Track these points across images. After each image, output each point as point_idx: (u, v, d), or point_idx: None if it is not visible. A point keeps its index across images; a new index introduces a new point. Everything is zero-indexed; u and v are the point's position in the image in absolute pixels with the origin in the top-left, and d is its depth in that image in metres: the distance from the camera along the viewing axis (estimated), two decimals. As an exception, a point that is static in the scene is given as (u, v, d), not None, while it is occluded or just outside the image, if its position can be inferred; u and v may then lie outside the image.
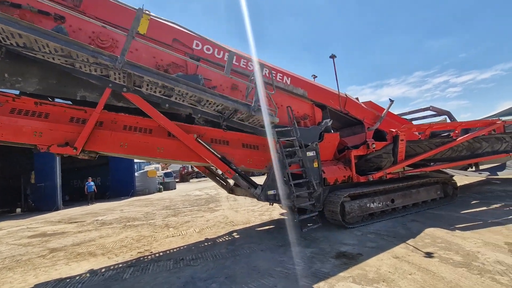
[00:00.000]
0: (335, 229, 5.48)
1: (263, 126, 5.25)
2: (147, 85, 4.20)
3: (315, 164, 5.94)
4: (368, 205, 6.01)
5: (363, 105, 7.32)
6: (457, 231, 4.52)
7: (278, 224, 6.53)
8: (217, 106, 4.61)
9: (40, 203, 15.39)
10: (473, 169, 8.71)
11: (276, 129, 5.32)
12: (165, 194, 19.71)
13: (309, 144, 5.90)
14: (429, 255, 3.63)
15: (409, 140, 6.58)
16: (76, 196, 20.62)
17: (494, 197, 6.85)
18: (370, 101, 7.56)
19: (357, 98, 7.37)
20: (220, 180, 6.94)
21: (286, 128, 5.48)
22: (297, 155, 5.49)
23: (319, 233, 5.17)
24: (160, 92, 4.32)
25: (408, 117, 9.71)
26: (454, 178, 7.69)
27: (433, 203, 6.90)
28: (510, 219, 4.89)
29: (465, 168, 8.55)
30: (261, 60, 5.94)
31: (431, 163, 7.05)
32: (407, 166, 6.95)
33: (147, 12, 4.51)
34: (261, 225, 6.47)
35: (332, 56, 6.70)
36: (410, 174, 6.68)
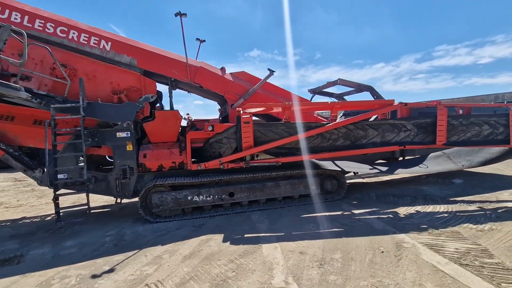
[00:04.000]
0: (125, 223, 4.77)
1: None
2: None
3: (129, 147, 5.13)
4: (190, 197, 5.12)
5: (228, 77, 6.02)
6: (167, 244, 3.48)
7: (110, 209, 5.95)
8: None
9: None
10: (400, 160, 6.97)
11: (55, 106, 4.55)
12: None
13: (119, 123, 5.05)
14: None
15: (259, 123, 5.29)
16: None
17: (387, 201, 5.33)
18: (243, 72, 6.20)
19: (222, 68, 6.07)
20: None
21: (71, 105, 4.65)
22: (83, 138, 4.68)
23: (88, 227, 4.52)
24: None
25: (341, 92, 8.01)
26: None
27: (303, 200, 5.71)
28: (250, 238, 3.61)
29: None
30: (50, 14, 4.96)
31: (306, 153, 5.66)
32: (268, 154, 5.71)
33: None
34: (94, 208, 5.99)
35: (179, 14, 5.43)
36: (265, 164, 5.46)
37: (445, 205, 4.78)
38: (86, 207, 4.43)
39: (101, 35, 5.17)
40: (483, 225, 3.74)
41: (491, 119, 5.39)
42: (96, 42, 5.13)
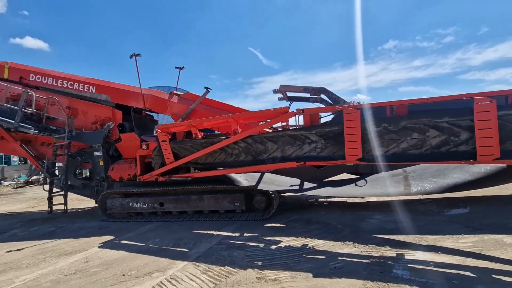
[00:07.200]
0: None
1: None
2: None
3: (101, 162, 6.89)
4: (131, 204, 6.26)
5: (174, 99, 6.77)
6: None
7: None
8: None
9: None
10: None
11: (57, 136, 6.85)
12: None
13: (94, 145, 6.88)
14: None
15: (174, 141, 5.68)
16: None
17: (293, 226, 4.41)
18: (187, 92, 6.80)
19: (170, 93, 6.87)
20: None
21: (64, 134, 6.82)
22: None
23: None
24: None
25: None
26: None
27: (229, 215, 5.68)
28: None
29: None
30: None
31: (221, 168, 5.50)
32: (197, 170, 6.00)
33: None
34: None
35: (134, 55, 6.79)
36: (180, 179, 5.78)
37: (329, 241, 3.60)
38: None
39: (90, 82, 7.24)
40: (293, 273, 2.77)
41: (440, 121, 3.46)
42: (88, 88, 7.26)
